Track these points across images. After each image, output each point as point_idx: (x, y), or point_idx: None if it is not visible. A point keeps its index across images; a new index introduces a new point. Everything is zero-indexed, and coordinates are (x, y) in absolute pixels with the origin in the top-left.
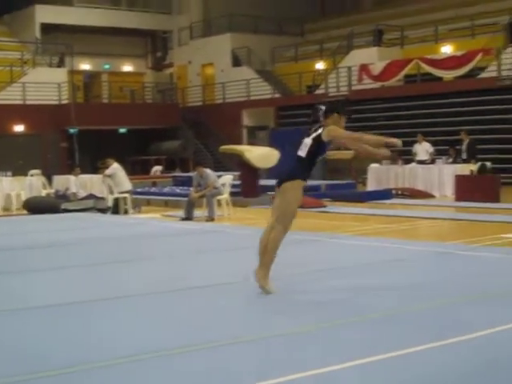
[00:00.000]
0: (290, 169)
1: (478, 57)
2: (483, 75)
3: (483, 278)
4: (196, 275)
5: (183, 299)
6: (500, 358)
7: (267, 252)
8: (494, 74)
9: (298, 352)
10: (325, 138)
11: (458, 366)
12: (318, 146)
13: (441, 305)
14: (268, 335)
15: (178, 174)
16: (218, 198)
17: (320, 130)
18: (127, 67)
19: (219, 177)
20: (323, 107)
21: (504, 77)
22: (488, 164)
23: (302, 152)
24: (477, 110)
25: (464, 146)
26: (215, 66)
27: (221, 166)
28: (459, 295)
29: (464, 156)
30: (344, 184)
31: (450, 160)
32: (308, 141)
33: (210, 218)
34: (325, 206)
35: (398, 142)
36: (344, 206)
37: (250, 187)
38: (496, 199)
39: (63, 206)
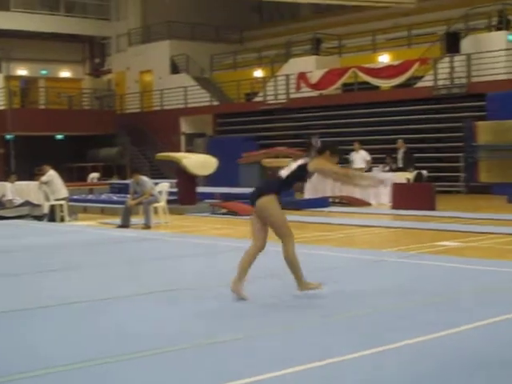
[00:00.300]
0: (263, 186)
1: (415, 66)
2: (420, 85)
3: (416, 285)
4: (128, 283)
5: (113, 308)
6: (432, 366)
7: (291, 269)
8: (430, 84)
9: (224, 362)
10: (311, 168)
11: (396, 371)
12: (301, 172)
13: (374, 311)
14: (202, 343)
15: (115, 181)
16: (155, 205)
17: (307, 160)
18: (65, 73)
19: (156, 184)
20: (318, 142)
21: (440, 86)
22: (424, 172)
23: (284, 172)
24: (413, 119)
25: (400, 155)
26: (153, 73)
27: (158, 173)
28: (391, 302)
29: (400, 164)
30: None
31: (387, 168)
32: (294, 165)
33: (147, 226)
34: None
35: (383, 182)
36: None
37: (187, 195)
38: (432, 207)
39: None
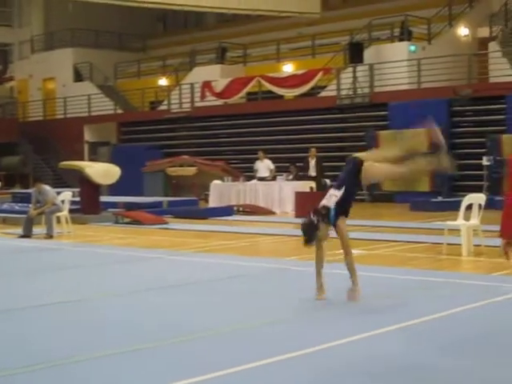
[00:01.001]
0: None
1: (319, 76)
2: (323, 94)
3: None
4: (27, 294)
5: (12, 320)
6: (334, 371)
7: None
8: (333, 93)
9: (138, 370)
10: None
11: (294, 380)
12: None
13: (274, 321)
14: (102, 354)
15: (17, 190)
16: (58, 214)
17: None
18: None
19: (58, 193)
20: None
21: (343, 96)
22: (327, 181)
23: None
24: (317, 128)
25: (312, 164)
26: (57, 81)
27: (62, 182)
28: (292, 311)
29: (312, 173)
30: (186, 200)
31: (291, 177)
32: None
33: (49, 236)
34: (166, 223)
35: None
36: (186, 222)
37: (90, 204)
38: None
39: None
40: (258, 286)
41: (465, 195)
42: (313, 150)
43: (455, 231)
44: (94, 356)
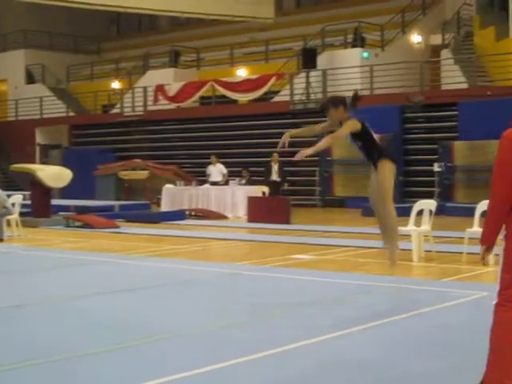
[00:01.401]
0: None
1: (272, 81)
2: (277, 99)
3: (269, 297)
4: None
5: None
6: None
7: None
8: (287, 99)
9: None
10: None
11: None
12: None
13: (227, 325)
14: (61, 357)
15: None
16: (8, 217)
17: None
18: None
19: (9, 196)
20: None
21: (296, 101)
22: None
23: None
24: (270, 133)
25: (275, 168)
26: (9, 83)
27: (13, 184)
28: (245, 315)
29: (275, 178)
30: (138, 204)
31: (244, 181)
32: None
33: None
34: (118, 227)
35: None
36: (138, 226)
37: (41, 207)
38: (287, 221)
39: None
40: (210, 290)
41: (416, 201)
42: (275, 154)
43: (406, 237)
44: (51, 360)
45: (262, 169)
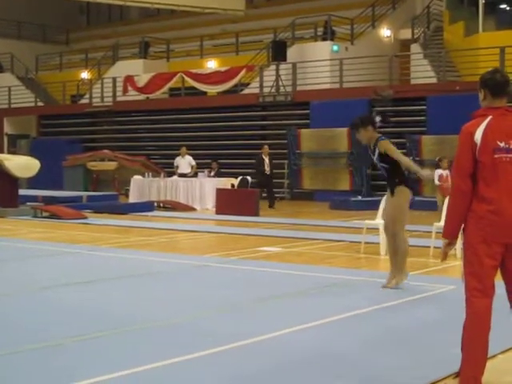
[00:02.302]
0: None
1: (242, 73)
2: (246, 91)
3: (237, 290)
4: None
5: None
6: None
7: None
8: (256, 91)
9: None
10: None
11: (210, 377)
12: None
13: (195, 317)
14: (29, 348)
15: None
16: None
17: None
18: None
19: None
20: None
21: (266, 94)
22: (249, 178)
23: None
24: (239, 125)
25: (267, 161)
26: None
27: None
28: (213, 307)
29: (267, 171)
30: (106, 195)
31: (213, 174)
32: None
33: None
34: (85, 218)
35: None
36: (106, 217)
37: (8, 197)
38: (255, 213)
39: None
40: (178, 282)
41: (384, 195)
42: (266, 147)
43: (374, 230)
44: (28, 348)
45: (231, 161)
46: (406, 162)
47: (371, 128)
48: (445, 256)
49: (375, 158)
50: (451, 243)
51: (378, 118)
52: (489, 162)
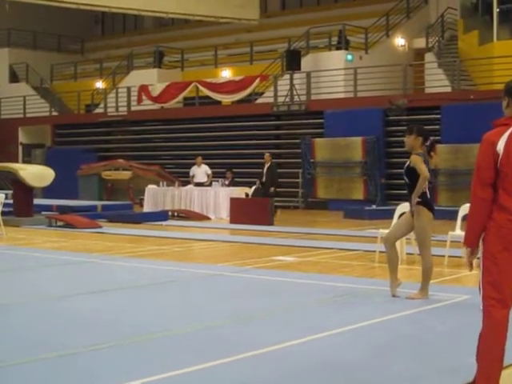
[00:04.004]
0: None
1: (256, 82)
2: (260, 101)
3: (251, 299)
4: None
5: None
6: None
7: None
8: (270, 100)
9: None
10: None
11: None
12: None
13: (208, 327)
14: (43, 357)
15: None
16: None
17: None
18: None
19: None
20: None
21: (280, 103)
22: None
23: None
24: (254, 135)
25: (265, 169)
26: None
27: None
28: (227, 316)
29: (263, 179)
30: (121, 205)
31: (227, 183)
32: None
33: None
34: (100, 227)
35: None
36: (120, 227)
37: (23, 206)
38: (269, 222)
39: None
40: (192, 291)
41: (398, 204)
42: (267, 154)
43: None
44: (38, 358)
45: (245, 170)
46: (420, 185)
47: (421, 140)
48: (470, 265)
49: (404, 169)
50: (473, 251)
51: (429, 142)
52: (511, 173)
